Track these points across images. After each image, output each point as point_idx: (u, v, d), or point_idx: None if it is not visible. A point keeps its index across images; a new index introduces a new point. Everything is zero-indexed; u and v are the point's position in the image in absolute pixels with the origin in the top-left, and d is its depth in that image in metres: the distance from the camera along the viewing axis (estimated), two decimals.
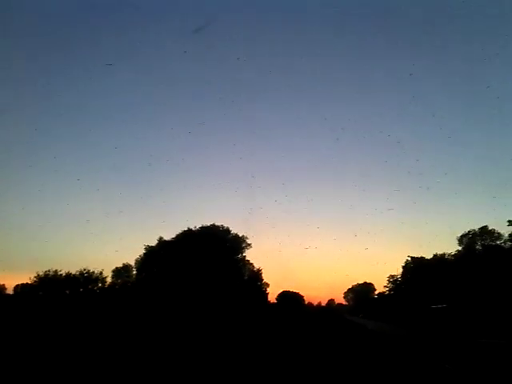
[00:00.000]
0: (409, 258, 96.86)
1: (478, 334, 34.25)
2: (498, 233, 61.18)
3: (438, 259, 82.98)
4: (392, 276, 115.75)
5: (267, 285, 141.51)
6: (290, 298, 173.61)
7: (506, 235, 56.71)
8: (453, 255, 75.83)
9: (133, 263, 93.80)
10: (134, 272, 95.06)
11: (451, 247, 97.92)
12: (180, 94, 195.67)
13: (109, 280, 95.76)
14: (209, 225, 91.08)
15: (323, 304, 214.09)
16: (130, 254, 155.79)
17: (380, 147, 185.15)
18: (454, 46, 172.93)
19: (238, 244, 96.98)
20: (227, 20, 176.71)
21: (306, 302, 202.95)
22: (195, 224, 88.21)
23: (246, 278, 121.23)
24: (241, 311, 55.91)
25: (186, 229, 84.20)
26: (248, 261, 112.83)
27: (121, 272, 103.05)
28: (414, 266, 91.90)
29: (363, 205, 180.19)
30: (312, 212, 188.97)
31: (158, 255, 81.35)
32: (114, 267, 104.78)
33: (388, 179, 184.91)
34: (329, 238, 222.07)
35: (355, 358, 19.29)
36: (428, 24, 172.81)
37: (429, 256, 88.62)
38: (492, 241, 61.77)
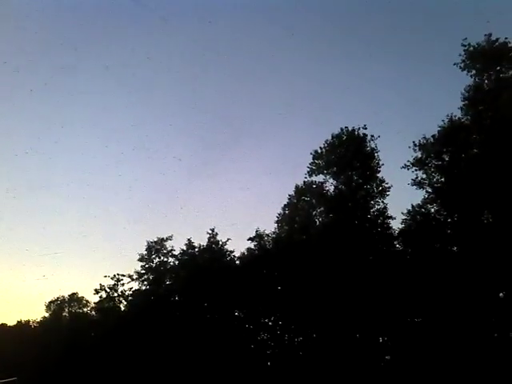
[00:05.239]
0: None
1: None
2: (87, 300, 65.23)
3: (23, 326, 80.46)
4: None
5: None
6: None
7: (92, 303, 61.50)
8: (38, 322, 75.23)
9: None
10: None
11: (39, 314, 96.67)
12: None
13: None
14: None
15: None
16: None
17: None
18: None
19: None
20: None
21: None
22: None
23: None
24: None
25: None
26: None
27: None
28: None
29: None
30: None
31: None
32: None
33: None
34: None
35: None
36: None
37: (13, 323, 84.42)
38: (80, 308, 65.63)
